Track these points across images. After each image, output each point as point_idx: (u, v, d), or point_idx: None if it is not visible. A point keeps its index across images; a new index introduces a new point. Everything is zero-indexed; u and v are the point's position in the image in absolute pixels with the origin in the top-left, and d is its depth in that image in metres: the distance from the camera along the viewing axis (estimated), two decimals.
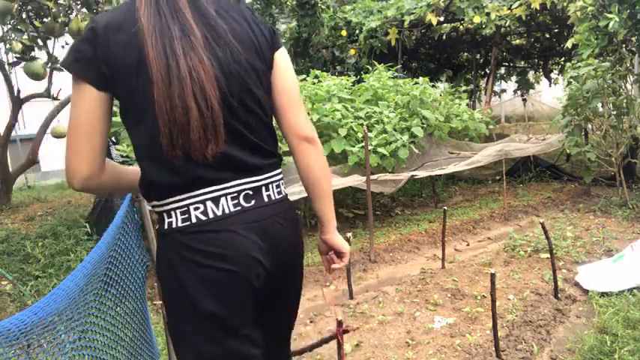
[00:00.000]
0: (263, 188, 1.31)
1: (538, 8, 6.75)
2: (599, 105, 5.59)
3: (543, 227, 3.28)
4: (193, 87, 1.14)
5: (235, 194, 1.26)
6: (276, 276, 1.34)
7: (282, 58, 1.34)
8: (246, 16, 1.29)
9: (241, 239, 1.24)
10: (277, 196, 1.34)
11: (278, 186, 1.36)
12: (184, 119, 1.15)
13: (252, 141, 1.27)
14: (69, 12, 4.93)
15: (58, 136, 5.28)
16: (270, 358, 1.50)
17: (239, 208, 1.25)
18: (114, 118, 4.16)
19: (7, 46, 4.77)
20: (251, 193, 1.28)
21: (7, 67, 5.31)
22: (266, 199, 1.31)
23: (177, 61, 1.13)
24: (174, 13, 1.17)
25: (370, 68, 6.65)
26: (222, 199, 1.24)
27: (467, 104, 6.89)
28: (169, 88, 1.13)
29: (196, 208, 1.23)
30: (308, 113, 4.89)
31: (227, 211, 1.24)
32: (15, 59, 4.88)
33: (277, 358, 1.57)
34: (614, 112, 5.56)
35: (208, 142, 1.18)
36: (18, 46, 4.60)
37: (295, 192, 4.26)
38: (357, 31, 8.49)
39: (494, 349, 2.67)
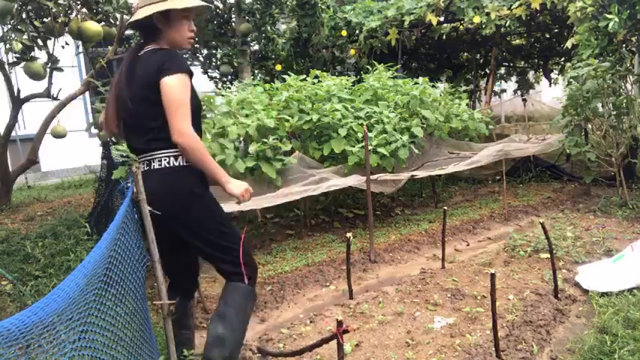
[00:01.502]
0: (151, 160, 2.25)
1: (538, 8, 6.74)
2: (599, 105, 5.59)
3: (543, 227, 3.28)
4: (127, 107, 2.26)
5: (142, 161, 2.27)
6: (164, 215, 2.17)
7: (163, 86, 2.16)
8: (148, 67, 2.21)
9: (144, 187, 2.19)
10: (157, 166, 2.24)
11: (160, 160, 2.24)
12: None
13: (145, 138, 2.24)
14: (69, 12, 4.93)
15: (58, 136, 5.27)
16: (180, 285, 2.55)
17: (144, 169, 2.25)
18: None
19: (7, 46, 4.77)
20: (146, 162, 2.26)
21: (7, 67, 5.31)
22: (151, 167, 2.25)
23: (122, 94, 2.26)
24: (126, 70, 2.28)
25: (370, 68, 6.65)
26: (141, 163, 2.27)
27: (467, 104, 6.88)
28: (121, 108, 2.29)
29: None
30: (307, 113, 4.90)
31: (142, 169, 2.24)
32: (15, 59, 4.88)
33: (184, 291, 2.54)
34: (614, 112, 5.56)
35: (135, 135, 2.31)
36: (18, 46, 4.59)
37: (297, 192, 4.27)
38: (357, 31, 8.48)
39: (494, 349, 2.67)
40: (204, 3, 2.33)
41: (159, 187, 2.21)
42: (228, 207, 3.84)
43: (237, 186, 2.32)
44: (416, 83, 6.15)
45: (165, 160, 2.26)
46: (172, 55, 2.23)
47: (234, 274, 2.39)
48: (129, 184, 2.24)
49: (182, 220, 2.27)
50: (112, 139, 4.45)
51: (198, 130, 2.44)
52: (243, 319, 2.40)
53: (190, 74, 2.25)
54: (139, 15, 2.23)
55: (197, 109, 2.41)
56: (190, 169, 2.27)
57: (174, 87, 2.15)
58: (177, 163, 2.26)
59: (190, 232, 2.31)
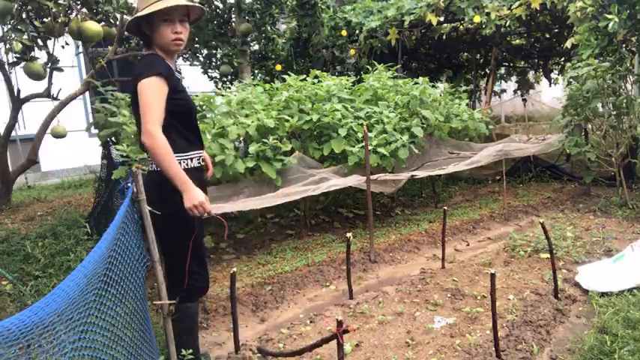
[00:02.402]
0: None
1: (538, 8, 6.74)
2: (599, 105, 5.59)
3: (543, 227, 3.28)
4: None
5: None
6: None
7: (137, 90, 2.27)
8: (133, 74, 2.34)
9: None
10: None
11: (147, 164, 2.42)
12: None
13: (140, 142, 2.31)
14: (69, 12, 4.93)
15: (57, 136, 5.26)
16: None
17: None
18: (113, 118, 4.17)
19: (7, 46, 4.77)
20: None
21: (7, 67, 5.31)
22: None
23: None
24: None
25: (370, 68, 6.65)
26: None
27: (467, 104, 6.88)
28: None
29: None
30: (307, 113, 4.90)
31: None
32: (15, 59, 4.88)
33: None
34: (614, 112, 5.56)
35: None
36: (18, 46, 4.59)
37: (297, 192, 4.27)
38: (357, 31, 8.48)
39: (494, 349, 2.67)
40: (165, 5, 2.27)
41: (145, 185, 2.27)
42: (231, 206, 3.84)
43: (189, 198, 2.24)
44: (416, 83, 6.15)
45: (150, 163, 2.40)
46: (147, 60, 2.34)
47: (178, 287, 2.43)
48: (129, 184, 2.24)
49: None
50: (112, 139, 4.47)
51: (190, 129, 2.45)
52: (187, 331, 2.49)
53: (164, 76, 2.27)
54: (128, 27, 2.41)
55: (189, 109, 2.44)
56: (156, 176, 2.31)
57: (143, 90, 2.24)
58: (151, 168, 2.38)
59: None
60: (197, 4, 2.44)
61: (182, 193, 2.24)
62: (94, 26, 4.59)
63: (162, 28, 2.32)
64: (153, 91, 2.23)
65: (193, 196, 2.24)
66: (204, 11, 2.57)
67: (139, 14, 2.30)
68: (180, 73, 2.49)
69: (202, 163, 2.50)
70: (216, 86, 8.38)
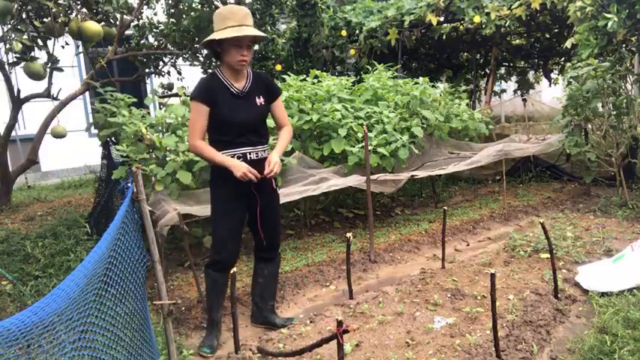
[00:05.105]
0: None
1: (538, 8, 6.74)
2: (599, 105, 5.59)
3: (543, 227, 3.28)
4: None
5: None
6: None
7: None
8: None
9: None
10: None
11: None
12: None
13: None
14: (69, 12, 4.93)
15: (57, 136, 5.27)
16: None
17: None
18: (113, 119, 4.17)
19: (7, 46, 4.77)
20: None
21: (7, 67, 5.31)
22: None
23: None
24: None
25: (370, 68, 6.64)
26: None
27: (467, 104, 6.87)
28: None
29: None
30: (307, 113, 4.91)
31: None
32: (15, 59, 4.88)
33: None
34: (614, 112, 5.56)
35: None
36: (18, 46, 4.60)
37: (297, 192, 4.27)
38: (357, 31, 8.47)
39: (494, 349, 2.67)
40: (238, 34, 2.66)
41: None
42: None
43: (234, 171, 2.76)
44: (416, 83, 6.15)
45: None
46: (197, 84, 2.87)
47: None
48: (129, 184, 2.24)
49: None
50: (112, 139, 4.47)
51: (226, 134, 2.85)
52: (208, 292, 3.07)
53: (201, 99, 2.77)
54: (202, 45, 2.91)
55: (222, 120, 2.82)
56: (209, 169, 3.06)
57: (190, 109, 2.86)
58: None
59: None
60: (263, 34, 2.88)
61: (230, 170, 2.75)
62: (94, 26, 4.59)
63: (231, 51, 2.76)
64: (192, 112, 2.81)
65: (236, 167, 2.75)
66: (265, 38, 3.12)
67: (214, 37, 2.70)
68: (246, 85, 2.89)
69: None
70: None
